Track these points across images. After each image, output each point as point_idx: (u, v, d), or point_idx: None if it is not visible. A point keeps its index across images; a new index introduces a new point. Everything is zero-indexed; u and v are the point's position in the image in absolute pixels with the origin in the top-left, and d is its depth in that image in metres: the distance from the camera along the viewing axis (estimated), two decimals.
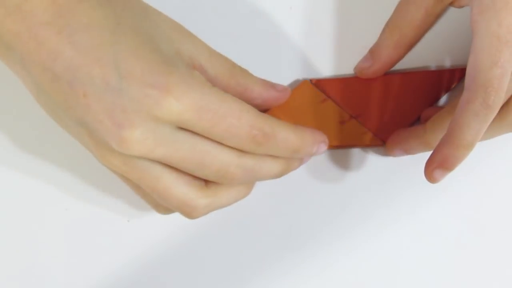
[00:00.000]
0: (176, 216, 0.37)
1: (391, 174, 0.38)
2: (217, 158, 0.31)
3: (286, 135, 0.32)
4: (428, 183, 0.37)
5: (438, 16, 0.35)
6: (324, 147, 0.34)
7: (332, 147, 0.36)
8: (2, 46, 0.30)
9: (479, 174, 0.38)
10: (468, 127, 0.31)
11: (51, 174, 0.37)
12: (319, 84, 0.37)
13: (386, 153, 0.37)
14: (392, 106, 0.37)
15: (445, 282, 0.38)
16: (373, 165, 0.38)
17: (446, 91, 0.37)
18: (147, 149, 0.29)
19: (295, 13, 0.38)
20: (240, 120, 0.30)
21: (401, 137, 0.36)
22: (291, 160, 0.34)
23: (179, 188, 0.31)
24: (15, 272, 0.36)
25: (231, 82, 0.33)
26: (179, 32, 0.32)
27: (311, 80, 0.37)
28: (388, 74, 0.37)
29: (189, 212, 0.32)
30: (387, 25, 0.36)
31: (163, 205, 0.33)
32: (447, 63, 0.38)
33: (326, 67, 0.38)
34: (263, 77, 0.37)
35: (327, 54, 0.38)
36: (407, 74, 0.37)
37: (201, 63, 0.32)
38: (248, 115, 0.31)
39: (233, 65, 0.34)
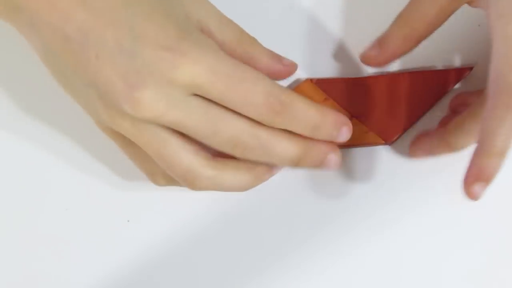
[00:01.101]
0: (176, 216, 0.37)
1: (392, 174, 0.38)
2: (230, 125, 0.30)
3: (305, 107, 0.31)
4: (428, 182, 0.38)
5: (451, 13, 0.34)
6: (347, 132, 0.32)
7: None
8: (11, 6, 0.29)
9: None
10: (496, 134, 0.30)
11: (51, 174, 0.37)
12: (320, 84, 0.37)
13: (410, 155, 0.37)
14: (393, 105, 0.37)
15: (445, 282, 0.38)
16: (374, 165, 0.38)
17: (448, 91, 0.37)
18: (159, 112, 0.29)
19: (295, 13, 0.39)
20: (256, 86, 0.30)
21: (423, 139, 0.36)
22: (310, 145, 0.32)
23: (186, 154, 0.30)
24: (15, 272, 0.36)
25: (238, 49, 0.33)
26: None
27: (312, 80, 0.37)
28: (389, 74, 0.37)
29: (192, 180, 0.31)
30: (400, 16, 0.35)
31: (161, 174, 0.33)
32: (449, 63, 0.38)
33: (327, 66, 0.38)
34: None
35: (328, 54, 0.38)
36: (408, 73, 0.37)
37: (210, 27, 0.32)
38: (264, 82, 0.30)
39: (242, 32, 0.34)
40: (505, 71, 0.30)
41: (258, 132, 0.31)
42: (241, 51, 0.33)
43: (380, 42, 0.35)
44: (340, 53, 0.38)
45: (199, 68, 0.29)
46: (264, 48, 0.34)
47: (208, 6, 0.32)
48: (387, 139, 0.37)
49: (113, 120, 0.30)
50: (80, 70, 0.29)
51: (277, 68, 0.34)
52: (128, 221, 0.37)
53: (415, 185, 0.38)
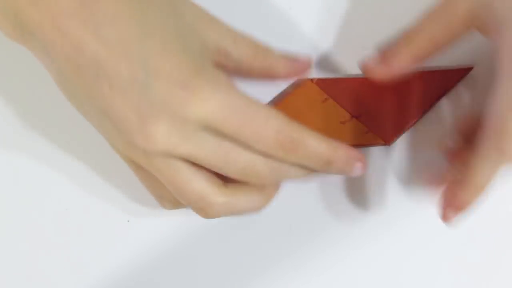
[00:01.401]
0: (176, 216, 0.37)
1: (391, 174, 0.38)
2: (242, 155, 0.30)
3: (317, 144, 0.31)
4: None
5: (461, 36, 0.34)
6: (360, 168, 0.33)
7: None
8: (25, 32, 0.29)
9: None
10: (478, 171, 0.31)
11: (51, 174, 0.37)
12: (320, 84, 0.37)
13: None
14: (394, 106, 0.37)
15: (445, 282, 0.38)
16: (374, 165, 0.38)
17: (447, 91, 0.37)
18: (171, 146, 0.29)
19: (295, 13, 0.39)
20: (267, 124, 0.30)
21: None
22: (330, 160, 0.32)
23: (198, 182, 0.30)
24: (15, 272, 0.36)
25: (255, 63, 0.33)
26: (204, 20, 0.32)
27: (312, 80, 0.37)
28: None
29: (205, 208, 0.31)
30: (408, 35, 0.34)
31: (169, 199, 0.33)
32: (449, 63, 0.38)
33: (327, 66, 0.38)
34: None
35: (328, 54, 0.38)
36: (408, 74, 0.37)
37: (226, 48, 0.32)
38: (276, 120, 0.30)
39: (256, 45, 0.34)
40: (503, 110, 0.30)
41: (271, 162, 0.31)
42: (259, 64, 0.34)
43: (385, 57, 0.35)
44: (340, 53, 0.38)
45: (211, 106, 0.29)
46: (279, 53, 0.35)
47: (222, 28, 0.33)
48: (387, 139, 0.37)
49: (126, 149, 0.30)
50: (93, 99, 0.29)
51: (295, 68, 0.35)
52: (128, 221, 0.37)
53: (415, 185, 0.38)
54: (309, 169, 0.32)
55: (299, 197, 0.38)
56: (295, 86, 0.37)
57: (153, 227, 0.37)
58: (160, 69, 0.28)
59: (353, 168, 0.32)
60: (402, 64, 0.34)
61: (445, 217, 0.32)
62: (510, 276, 0.38)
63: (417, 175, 0.38)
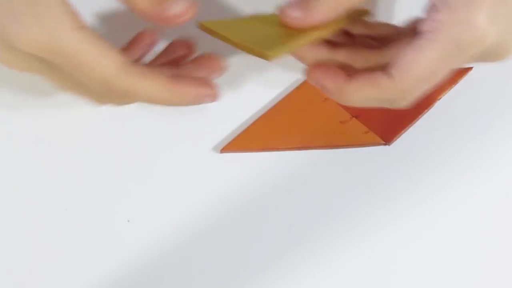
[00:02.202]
0: (176, 216, 0.37)
1: (391, 174, 0.38)
2: None
3: None
4: (429, 183, 0.38)
5: None
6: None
7: (332, 146, 0.36)
8: None
9: (478, 175, 0.38)
10: None
11: (51, 174, 0.37)
12: None
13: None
14: None
15: (446, 282, 0.38)
16: (373, 165, 0.38)
17: (447, 91, 0.38)
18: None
19: None
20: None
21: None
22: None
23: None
24: (15, 272, 0.36)
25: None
26: None
27: None
28: None
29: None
30: None
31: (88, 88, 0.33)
32: None
33: None
34: (264, 77, 0.37)
35: None
36: None
37: None
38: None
39: None
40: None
41: None
42: None
43: (306, 4, 0.32)
44: None
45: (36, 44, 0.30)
46: None
47: None
48: (387, 139, 0.37)
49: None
50: None
51: (158, 16, 0.32)
52: (128, 221, 0.37)
53: (414, 185, 0.38)
54: None
55: (299, 197, 0.38)
56: (295, 87, 0.37)
57: (153, 227, 0.37)
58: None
59: None
60: (325, 15, 0.32)
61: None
62: (510, 276, 0.38)
63: (417, 175, 0.38)
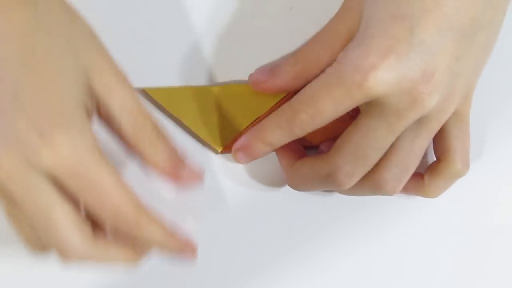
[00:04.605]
0: (175, 216, 0.37)
1: None
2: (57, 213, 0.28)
3: (155, 229, 0.30)
4: None
5: None
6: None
7: None
8: None
9: (479, 176, 0.38)
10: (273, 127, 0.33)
11: None
12: None
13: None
14: None
15: (446, 281, 0.38)
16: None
17: None
18: (11, 182, 0.28)
19: (295, 13, 0.38)
20: (109, 198, 0.29)
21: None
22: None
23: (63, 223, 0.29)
24: (15, 272, 0.36)
25: (132, 135, 0.31)
26: (101, 67, 0.30)
27: None
28: None
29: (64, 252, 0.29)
30: (295, 53, 0.35)
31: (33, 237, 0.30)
32: None
33: None
34: None
35: None
36: None
37: (108, 109, 0.30)
38: (120, 195, 0.29)
39: (144, 125, 0.31)
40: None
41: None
42: (136, 138, 0.31)
43: (272, 69, 0.35)
44: None
45: (60, 163, 0.28)
46: (168, 143, 0.32)
47: (116, 86, 0.30)
48: None
49: None
50: None
51: (174, 173, 0.32)
52: None
53: None
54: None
55: (299, 197, 0.37)
56: None
57: None
58: (27, 105, 0.28)
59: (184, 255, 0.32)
60: (286, 82, 0.35)
61: (236, 156, 0.35)
62: (510, 276, 0.38)
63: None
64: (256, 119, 0.36)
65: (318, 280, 0.37)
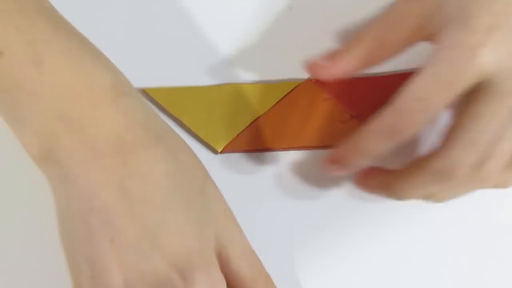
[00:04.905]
0: None
1: None
2: None
3: None
4: None
5: (414, 44, 0.33)
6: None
7: (333, 146, 0.36)
8: (50, 158, 0.28)
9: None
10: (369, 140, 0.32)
11: None
12: (320, 84, 0.37)
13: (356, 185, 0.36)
14: None
15: (446, 281, 0.38)
16: (373, 164, 0.38)
17: None
18: None
19: (295, 13, 0.38)
20: None
21: (372, 176, 0.36)
22: None
23: None
24: (15, 272, 0.36)
25: (251, 283, 0.32)
26: (226, 218, 0.32)
27: (312, 80, 0.37)
28: (390, 74, 0.37)
29: None
30: (360, 36, 0.34)
31: None
32: None
33: None
34: (264, 77, 0.36)
35: None
36: (408, 74, 0.37)
37: (229, 256, 0.31)
38: None
39: (260, 272, 0.32)
40: (410, 94, 0.32)
41: None
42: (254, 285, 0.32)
43: (334, 56, 0.34)
44: None
45: None
46: None
47: (237, 235, 0.32)
48: None
49: None
50: (87, 243, 0.28)
51: None
52: None
53: None
54: None
55: (299, 197, 0.37)
56: (295, 87, 0.37)
57: None
58: (167, 248, 0.28)
59: None
60: (352, 66, 0.34)
61: (327, 170, 0.35)
62: (510, 276, 0.38)
63: None
64: (256, 119, 0.36)
65: (318, 280, 0.37)
